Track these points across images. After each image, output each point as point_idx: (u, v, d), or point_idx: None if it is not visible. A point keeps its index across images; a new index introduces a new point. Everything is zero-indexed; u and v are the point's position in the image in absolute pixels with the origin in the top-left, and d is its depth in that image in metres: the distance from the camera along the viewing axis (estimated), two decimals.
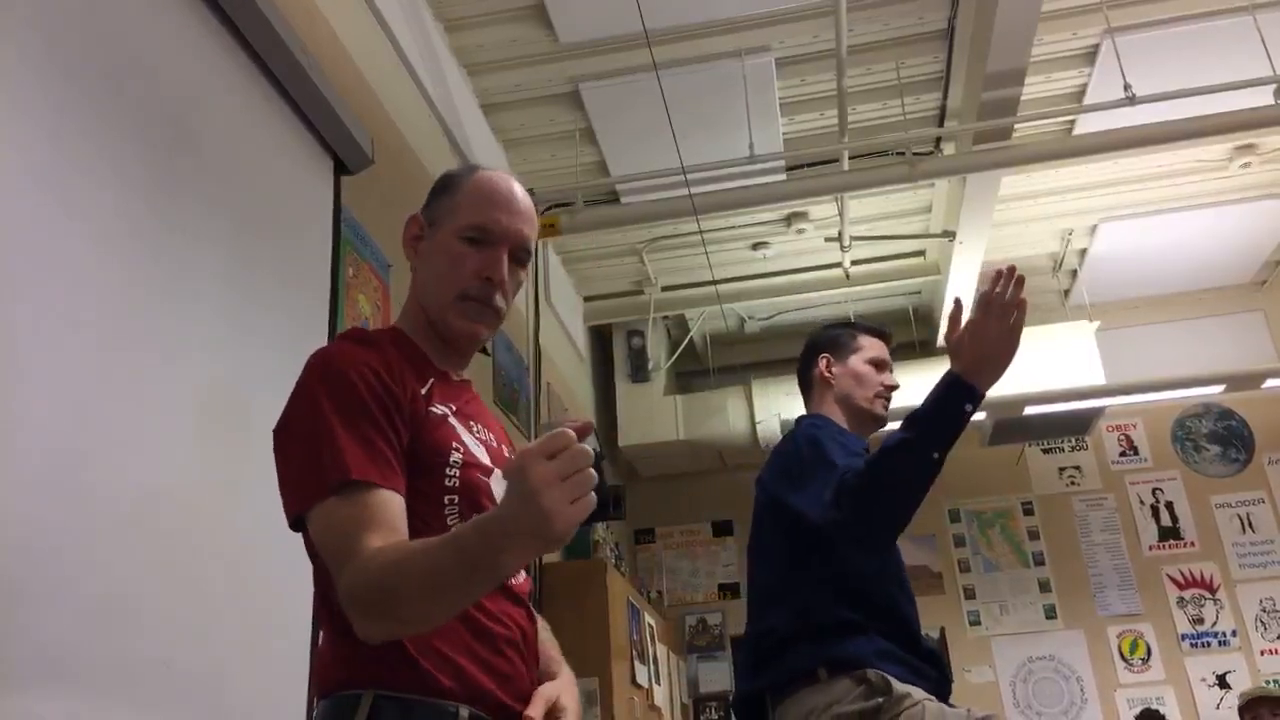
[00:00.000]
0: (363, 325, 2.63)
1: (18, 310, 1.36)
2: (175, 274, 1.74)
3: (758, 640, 1.95)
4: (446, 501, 1.17)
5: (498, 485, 1.24)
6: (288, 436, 1.18)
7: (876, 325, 2.26)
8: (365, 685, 1.09)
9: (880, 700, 1.75)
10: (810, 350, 2.21)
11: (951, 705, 1.84)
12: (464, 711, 1.09)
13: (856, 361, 2.15)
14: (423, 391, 1.21)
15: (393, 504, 1.10)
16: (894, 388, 2.17)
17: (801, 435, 2.00)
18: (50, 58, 1.50)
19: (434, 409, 1.21)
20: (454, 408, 1.25)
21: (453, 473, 1.19)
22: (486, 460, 1.26)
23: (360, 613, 1.03)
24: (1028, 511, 6.16)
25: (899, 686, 1.77)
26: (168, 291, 1.71)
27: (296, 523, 1.14)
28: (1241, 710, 4.66)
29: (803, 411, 2.23)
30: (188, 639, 1.62)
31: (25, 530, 1.32)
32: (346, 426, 1.12)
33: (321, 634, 1.18)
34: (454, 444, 1.21)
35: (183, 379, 1.72)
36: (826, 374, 2.15)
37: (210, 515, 1.73)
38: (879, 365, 2.16)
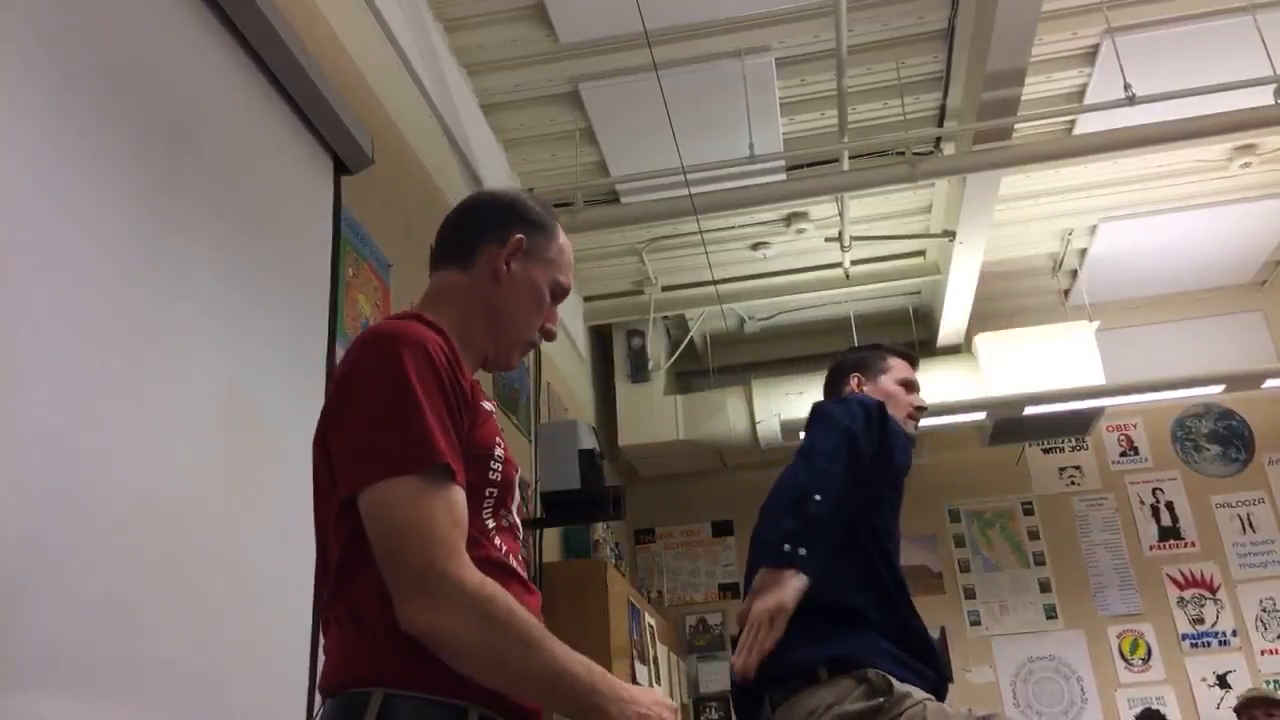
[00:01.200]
0: (363, 325, 2.63)
1: (18, 310, 1.36)
2: (175, 274, 1.74)
3: None
4: (487, 494, 1.20)
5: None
6: (361, 401, 1.14)
7: (902, 347, 2.30)
8: (375, 683, 1.08)
9: (881, 700, 1.75)
10: (840, 371, 2.24)
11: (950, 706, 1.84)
12: (474, 712, 1.09)
13: (887, 382, 2.18)
14: (475, 379, 1.25)
15: (465, 504, 1.13)
16: (923, 408, 2.19)
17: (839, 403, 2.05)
18: (50, 58, 1.50)
19: (484, 404, 1.24)
20: (494, 405, 1.29)
21: (496, 467, 1.21)
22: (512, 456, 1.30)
23: (452, 614, 1.05)
24: (1028, 511, 6.16)
25: (899, 686, 1.77)
26: (167, 291, 1.71)
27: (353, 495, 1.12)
28: (1238, 711, 4.67)
29: (804, 411, 2.25)
30: (188, 639, 1.62)
31: (25, 530, 1.32)
32: (431, 406, 1.12)
33: (332, 627, 1.16)
34: (497, 439, 1.24)
35: (182, 379, 1.72)
36: (858, 392, 2.16)
37: (210, 515, 1.73)
38: (908, 386, 2.19)
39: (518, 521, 1.29)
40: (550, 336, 1.41)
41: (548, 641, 1.10)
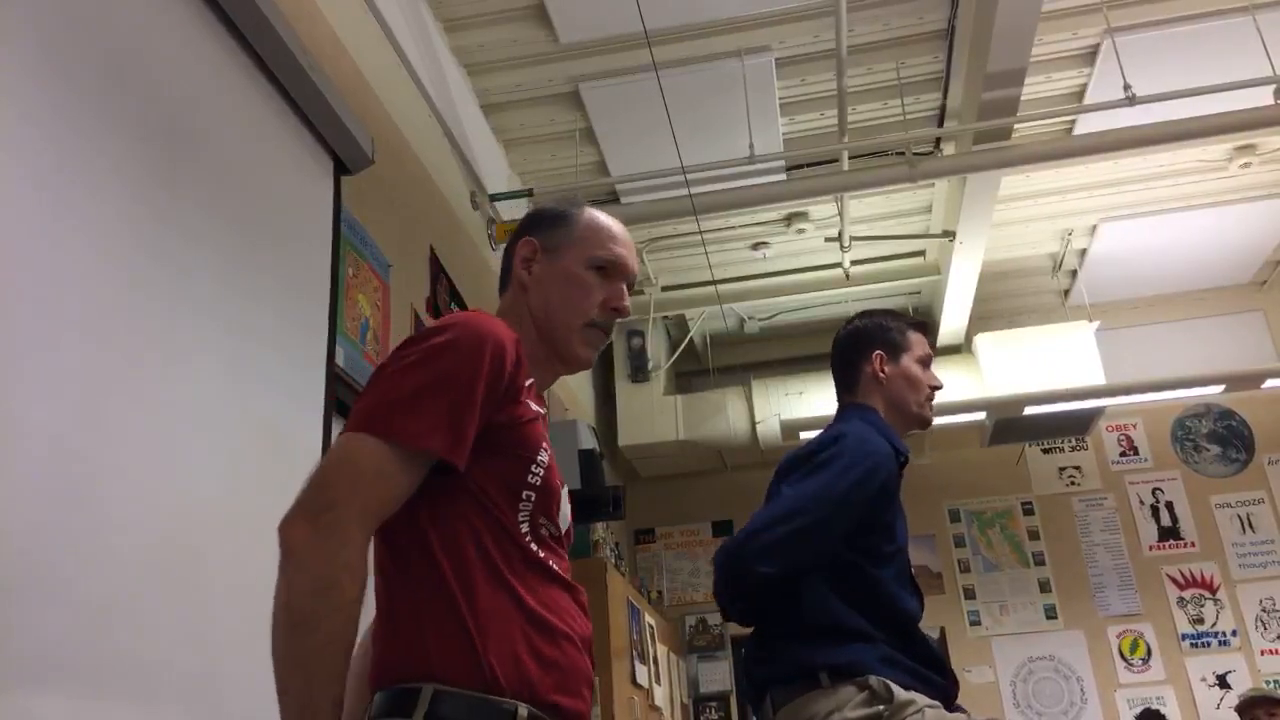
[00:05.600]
0: (363, 325, 2.63)
1: (18, 310, 1.36)
2: (175, 273, 1.74)
3: (766, 635, 1.93)
4: (524, 496, 1.20)
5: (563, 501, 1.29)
6: (403, 366, 1.17)
7: (917, 319, 2.21)
8: (425, 678, 1.09)
9: (881, 708, 1.74)
10: (861, 343, 2.11)
11: (958, 708, 1.83)
12: (522, 710, 1.10)
13: (908, 361, 2.07)
14: (527, 383, 1.25)
15: (402, 494, 1.13)
16: (938, 388, 2.10)
17: (840, 438, 1.94)
18: (48, 58, 1.49)
19: (531, 404, 1.25)
20: (543, 413, 1.29)
21: (538, 470, 1.21)
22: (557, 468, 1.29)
23: (316, 554, 1.05)
24: (1028, 511, 6.16)
25: (901, 694, 1.75)
26: (167, 291, 1.71)
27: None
28: (1240, 710, 4.67)
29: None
30: (188, 639, 1.62)
31: (25, 530, 1.32)
32: (460, 396, 1.14)
33: (381, 621, 1.17)
34: (545, 446, 1.24)
35: (182, 378, 1.72)
36: (880, 373, 2.06)
37: (210, 514, 1.73)
38: (925, 363, 2.10)
39: (562, 534, 1.27)
40: (621, 313, 1.38)
41: (317, 667, 1.03)
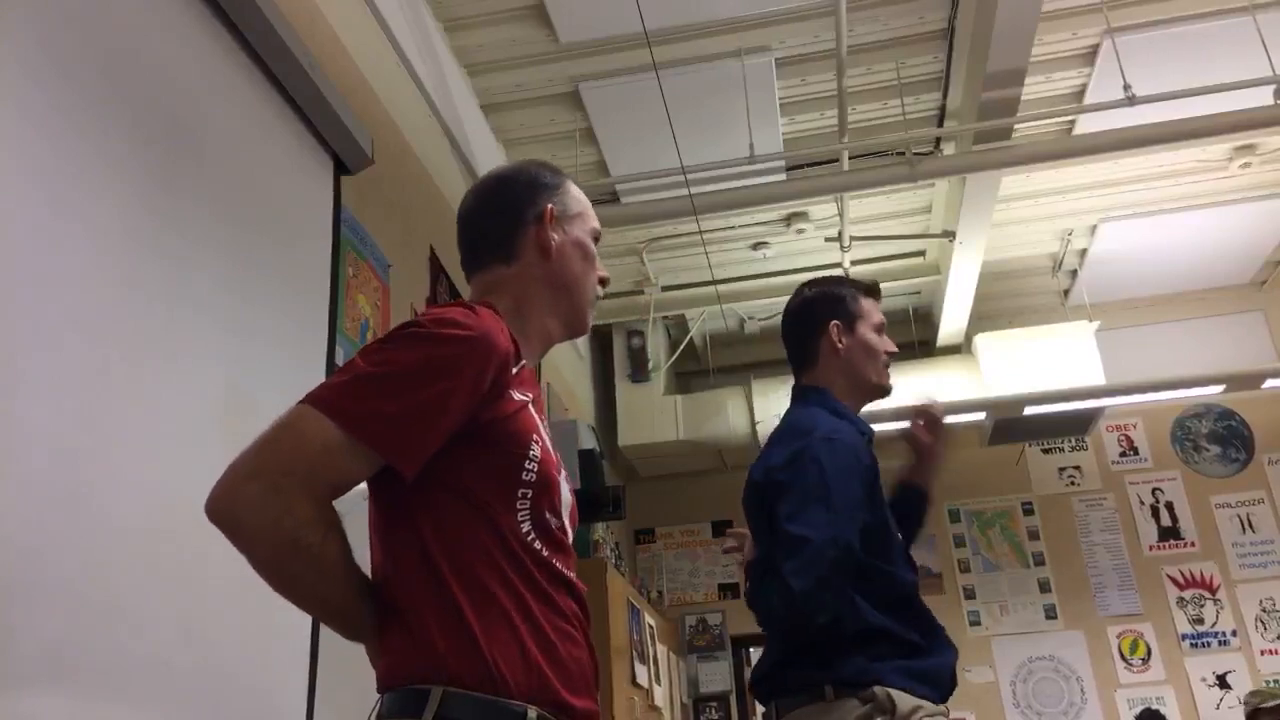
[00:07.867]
0: (363, 325, 2.63)
1: (18, 310, 1.36)
2: (175, 274, 1.74)
3: (775, 645, 1.91)
4: (520, 495, 1.16)
5: (564, 484, 1.25)
6: (383, 348, 1.14)
7: (868, 281, 2.10)
8: (435, 680, 1.08)
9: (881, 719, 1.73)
10: (814, 313, 2.02)
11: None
12: (532, 712, 1.09)
13: (865, 329, 1.99)
14: (514, 371, 1.20)
15: (351, 477, 1.11)
16: (895, 353, 2.03)
17: (813, 452, 1.85)
18: (48, 58, 1.49)
19: (515, 393, 1.19)
20: (532, 396, 1.24)
21: (531, 466, 1.17)
22: (553, 454, 1.24)
23: (249, 496, 1.04)
24: (1028, 511, 6.16)
25: (905, 704, 1.73)
26: (167, 291, 1.71)
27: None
28: (1248, 719, 4.60)
29: None
30: (187, 639, 1.62)
31: (25, 530, 1.32)
32: (435, 393, 1.10)
33: (390, 624, 1.15)
34: (535, 436, 1.19)
35: (182, 379, 1.72)
36: (838, 344, 1.98)
37: None
38: (880, 330, 2.02)
39: (567, 526, 1.24)
40: (605, 284, 1.40)
41: (314, 604, 1.17)
